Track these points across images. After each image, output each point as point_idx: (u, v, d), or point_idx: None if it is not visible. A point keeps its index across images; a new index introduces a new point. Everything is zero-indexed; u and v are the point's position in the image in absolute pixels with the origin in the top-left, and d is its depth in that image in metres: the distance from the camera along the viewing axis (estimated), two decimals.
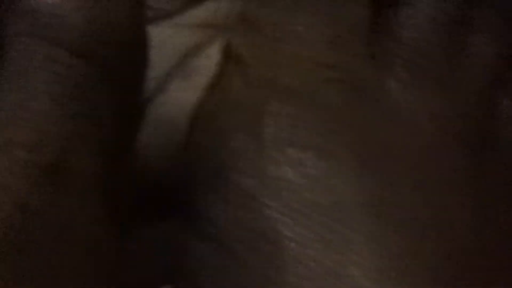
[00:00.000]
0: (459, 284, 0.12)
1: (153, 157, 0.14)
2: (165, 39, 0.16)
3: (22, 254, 0.10)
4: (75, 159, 0.12)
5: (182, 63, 0.16)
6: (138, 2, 0.15)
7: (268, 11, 0.14)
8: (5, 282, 0.10)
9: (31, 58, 0.12)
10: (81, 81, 0.13)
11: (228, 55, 0.14)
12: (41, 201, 0.11)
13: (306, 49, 0.13)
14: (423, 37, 0.14)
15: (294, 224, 0.12)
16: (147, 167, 0.14)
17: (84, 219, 0.12)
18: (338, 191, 0.12)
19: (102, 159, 0.13)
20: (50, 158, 0.11)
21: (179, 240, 0.13)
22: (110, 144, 0.13)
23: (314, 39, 0.13)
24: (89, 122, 0.13)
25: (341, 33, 0.13)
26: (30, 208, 0.11)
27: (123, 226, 0.14)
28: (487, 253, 0.13)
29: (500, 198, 0.14)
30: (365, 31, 0.14)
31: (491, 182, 0.14)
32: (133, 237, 0.14)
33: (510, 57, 0.15)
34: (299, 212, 0.12)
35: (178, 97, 0.16)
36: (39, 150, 0.11)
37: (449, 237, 0.12)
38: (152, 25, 0.16)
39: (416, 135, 0.13)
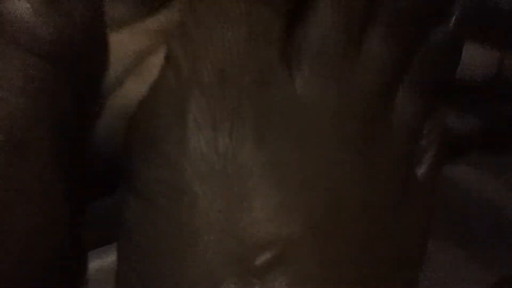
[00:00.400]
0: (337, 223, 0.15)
1: (108, 139, 0.18)
2: (122, 43, 0.19)
3: None
4: (37, 136, 0.15)
5: (136, 63, 0.19)
6: (99, 11, 0.18)
7: (201, 20, 0.17)
8: None
9: (9, 63, 0.15)
10: (48, 80, 0.16)
11: (168, 57, 0.17)
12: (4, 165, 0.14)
13: (227, 51, 0.16)
14: (326, 38, 0.16)
15: (205, 184, 0.15)
16: (102, 147, 0.17)
17: (41, 185, 0.15)
18: (241, 161, 0.15)
19: (61, 138, 0.16)
20: (16, 134, 0.15)
21: (121, 201, 0.16)
22: (69, 127, 0.16)
23: (232, 40, 0.16)
24: (52, 110, 0.16)
25: (257, 34, 0.16)
26: None
27: (78, 198, 0.17)
28: (364, 209, 0.16)
29: (382, 170, 0.17)
30: (279, 33, 0.16)
31: (378, 160, 0.17)
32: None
33: (405, 60, 0.18)
34: (209, 175, 0.15)
35: (132, 90, 0.19)
36: (9, 127, 0.15)
37: (332, 188, 0.15)
38: (112, 31, 0.19)
39: (313, 122, 0.16)
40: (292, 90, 0.16)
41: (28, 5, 0.15)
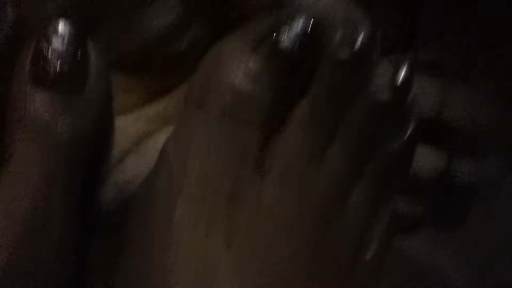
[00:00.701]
0: None
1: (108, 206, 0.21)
2: (123, 127, 0.23)
3: None
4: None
5: (137, 144, 0.23)
6: (110, 104, 0.22)
7: (191, 131, 0.20)
8: None
9: (30, 155, 0.18)
10: (63, 165, 0.20)
11: (162, 154, 0.21)
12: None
13: (210, 160, 0.19)
14: (295, 152, 0.20)
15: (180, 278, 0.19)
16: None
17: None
18: (211, 262, 0.19)
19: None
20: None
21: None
22: (79, 194, 0.20)
23: (215, 151, 0.19)
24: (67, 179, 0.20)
25: (237, 147, 0.20)
26: None
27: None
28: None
29: (332, 257, 0.21)
30: (255, 146, 0.20)
31: (328, 249, 0.20)
32: None
33: (361, 168, 0.21)
34: (185, 273, 0.19)
35: (131, 168, 0.22)
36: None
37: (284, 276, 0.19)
38: (117, 116, 0.23)
39: (276, 225, 0.20)
40: (262, 196, 0.20)
41: (48, 107, 0.19)
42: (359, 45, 0.19)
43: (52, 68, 0.19)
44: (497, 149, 0.27)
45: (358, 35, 0.19)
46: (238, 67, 0.19)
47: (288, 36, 0.19)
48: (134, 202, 0.21)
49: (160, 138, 0.22)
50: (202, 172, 0.19)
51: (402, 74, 0.21)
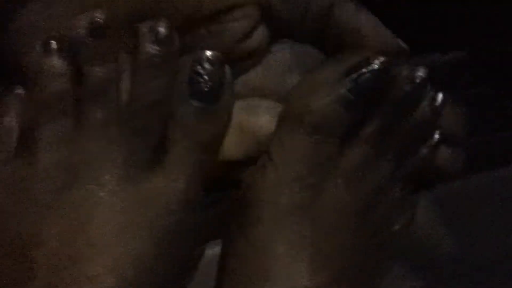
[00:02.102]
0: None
1: None
2: None
3: None
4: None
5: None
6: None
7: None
8: None
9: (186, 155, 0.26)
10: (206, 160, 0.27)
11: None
12: None
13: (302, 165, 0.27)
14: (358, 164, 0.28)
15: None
16: None
17: None
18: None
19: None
20: None
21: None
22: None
23: (305, 161, 0.27)
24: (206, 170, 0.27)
25: (321, 157, 0.27)
26: None
27: None
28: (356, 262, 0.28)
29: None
30: (335, 157, 0.27)
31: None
32: None
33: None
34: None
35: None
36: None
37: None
38: None
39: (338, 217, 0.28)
40: (335, 192, 0.28)
41: (196, 115, 0.26)
42: (419, 79, 0.27)
43: (204, 85, 0.25)
44: None
45: (419, 72, 0.27)
46: (329, 92, 0.27)
47: (369, 72, 0.26)
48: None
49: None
50: (298, 169, 0.27)
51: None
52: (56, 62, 0.25)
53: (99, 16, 0.25)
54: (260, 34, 0.28)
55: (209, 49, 0.26)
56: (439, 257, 0.38)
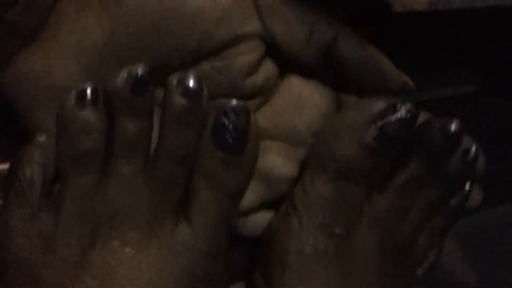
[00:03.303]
0: None
1: None
2: None
3: None
4: None
5: None
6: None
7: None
8: None
9: (212, 204, 0.26)
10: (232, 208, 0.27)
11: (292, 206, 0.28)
12: None
13: (328, 211, 0.27)
14: (387, 212, 0.28)
15: None
16: None
17: None
18: None
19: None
20: None
21: None
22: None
23: (332, 207, 0.27)
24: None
25: (347, 203, 0.27)
26: None
27: None
28: None
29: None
30: (361, 202, 0.27)
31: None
32: None
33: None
34: None
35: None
36: None
37: None
38: None
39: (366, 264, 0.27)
40: (362, 236, 0.27)
41: (222, 165, 0.26)
42: (452, 132, 0.27)
43: (229, 136, 0.25)
44: None
45: (451, 124, 0.27)
46: (354, 140, 0.26)
47: (395, 121, 0.26)
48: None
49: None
50: (322, 217, 0.27)
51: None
52: (90, 116, 0.24)
53: (143, 71, 0.24)
54: (267, 68, 0.27)
55: (233, 98, 0.26)
56: None
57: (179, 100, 0.24)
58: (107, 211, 0.24)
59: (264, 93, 0.27)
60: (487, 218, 0.40)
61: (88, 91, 0.24)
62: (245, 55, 0.26)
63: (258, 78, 0.27)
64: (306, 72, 0.27)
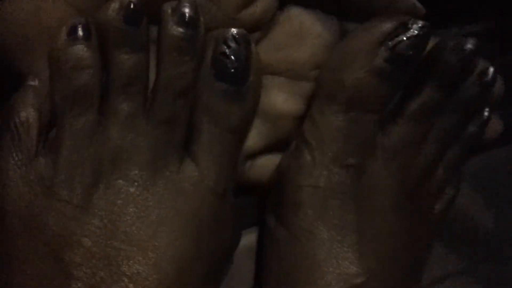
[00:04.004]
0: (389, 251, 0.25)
1: None
2: None
3: None
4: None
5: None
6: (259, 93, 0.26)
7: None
8: None
9: (216, 139, 0.24)
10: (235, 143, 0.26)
11: (303, 139, 0.26)
12: None
13: (340, 144, 0.25)
14: (401, 142, 0.26)
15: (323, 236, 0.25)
16: None
17: None
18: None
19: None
20: None
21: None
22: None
23: (343, 139, 0.25)
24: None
25: (360, 134, 0.25)
26: None
27: None
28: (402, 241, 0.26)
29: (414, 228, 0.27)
30: (374, 133, 0.25)
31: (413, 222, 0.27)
32: None
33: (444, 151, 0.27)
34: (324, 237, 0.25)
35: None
36: None
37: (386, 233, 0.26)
38: None
39: (382, 199, 0.26)
40: (376, 171, 0.26)
41: (225, 97, 0.24)
42: (468, 50, 0.25)
43: (230, 65, 0.24)
44: None
45: (467, 42, 0.25)
46: (363, 64, 0.24)
47: (408, 39, 0.24)
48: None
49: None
50: (335, 148, 0.25)
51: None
52: (83, 51, 0.23)
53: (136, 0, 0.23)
54: None
55: (233, 27, 0.24)
56: (479, 234, 0.36)
57: (175, 28, 0.23)
58: (108, 151, 0.23)
59: (262, 26, 0.26)
60: (503, 156, 0.39)
61: (80, 26, 0.23)
62: None
63: (256, 10, 0.25)
64: (306, 1, 0.26)
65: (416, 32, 0.24)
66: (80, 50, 0.23)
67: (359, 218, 0.25)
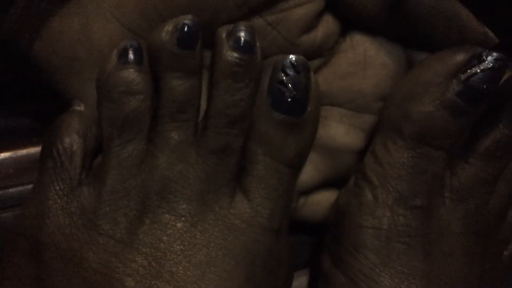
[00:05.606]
0: None
1: None
2: None
3: None
4: None
5: None
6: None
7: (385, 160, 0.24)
8: None
9: (271, 172, 0.23)
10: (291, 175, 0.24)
11: (364, 175, 0.24)
12: None
13: (405, 182, 0.23)
14: (472, 181, 0.24)
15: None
16: None
17: None
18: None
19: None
20: None
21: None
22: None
23: (410, 176, 0.23)
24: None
25: (428, 171, 0.23)
26: None
27: None
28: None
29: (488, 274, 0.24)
30: (443, 170, 0.23)
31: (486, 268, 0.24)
32: None
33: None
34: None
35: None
36: None
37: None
38: None
39: (451, 244, 0.23)
40: (445, 209, 0.24)
41: (280, 128, 0.23)
42: None
43: (288, 95, 0.22)
44: None
45: None
46: (433, 98, 0.22)
47: (482, 72, 0.22)
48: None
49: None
50: (400, 187, 0.23)
51: None
52: (134, 76, 0.22)
53: (191, 22, 0.21)
54: (327, 24, 0.24)
55: (292, 53, 0.23)
56: None
57: (230, 53, 0.22)
58: (156, 182, 0.21)
59: (324, 53, 0.24)
60: None
61: (131, 49, 0.22)
62: (301, 7, 0.23)
63: (317, 34, 0.23)
64: (371, 28, 0.24)
65: (491, 64, 0.22)
66: (131, 74, 0.22)
67: (426, 264, 0.23)
